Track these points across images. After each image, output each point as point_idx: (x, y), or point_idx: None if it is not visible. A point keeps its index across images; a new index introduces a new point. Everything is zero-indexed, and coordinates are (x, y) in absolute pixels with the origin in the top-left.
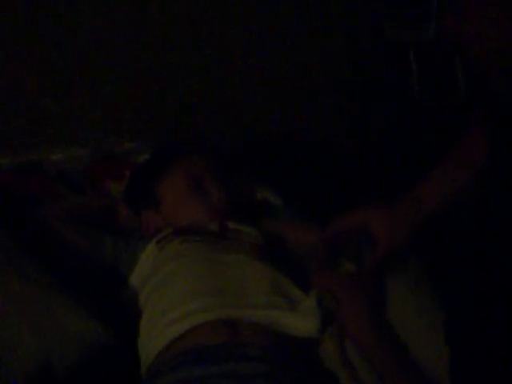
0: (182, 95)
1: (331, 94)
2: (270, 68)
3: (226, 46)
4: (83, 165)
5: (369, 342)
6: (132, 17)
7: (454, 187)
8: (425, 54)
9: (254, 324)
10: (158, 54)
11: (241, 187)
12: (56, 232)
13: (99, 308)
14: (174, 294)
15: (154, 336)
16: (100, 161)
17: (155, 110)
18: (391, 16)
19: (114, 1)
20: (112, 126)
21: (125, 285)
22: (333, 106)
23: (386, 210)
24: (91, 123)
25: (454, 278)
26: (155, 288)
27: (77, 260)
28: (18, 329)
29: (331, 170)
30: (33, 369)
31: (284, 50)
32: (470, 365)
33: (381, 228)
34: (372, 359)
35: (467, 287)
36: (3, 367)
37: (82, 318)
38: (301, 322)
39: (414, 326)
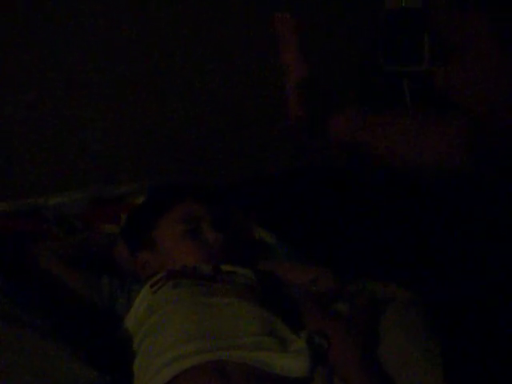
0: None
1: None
2: None
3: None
4: (80, 209)
5: (359, 381)
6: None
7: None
8: (419, 82)
9: (243, 366)
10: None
11: (238, 228)
12: (52, 273)
13: (94, 352)
14: (165, 337)
15: (149, 379)
16: (96, 204)
17: (152, 151)
18: (386, 53)
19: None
20: (108, 170)
21: (119, 327)
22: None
23: None
24: (88, 167)
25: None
26: (148, 332)
27: (73, 302)
28: (19, 373)
29: (328, 206)
30: None
31: None
32: None
33: None
34: None
35: (462, 313)
36: None
37: (77, 363)
38: (291, 362)
39: (409, 356)
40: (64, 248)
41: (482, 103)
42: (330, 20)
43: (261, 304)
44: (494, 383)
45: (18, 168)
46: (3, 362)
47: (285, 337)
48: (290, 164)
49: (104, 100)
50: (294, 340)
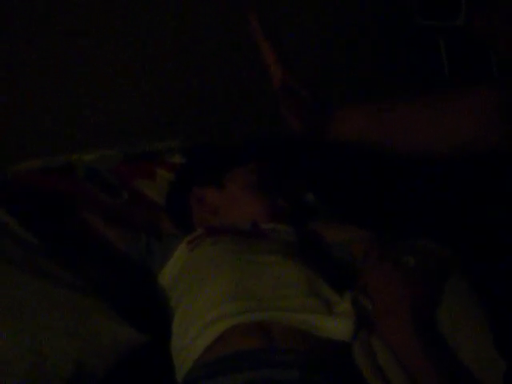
0: (208, 96)
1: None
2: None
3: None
4: (114, 165)
5: (412, 346)
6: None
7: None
8: (455, 41)
9: (288, 327)
10: (188, 61)
11: (290, 192)
12: (92, 229)
13: (131, 310)
14: (207, 296)
15: (190, 340)
16: (130, 160)
17: (183, 110)
18: (422, 8)
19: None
20: (142, 127)
21: (155, 284)
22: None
23: None
24: (121, 125)
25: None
26: (187, 289)
27: (110, 257)
28: (54, 333)
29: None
30: (69, 374)
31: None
32: None
33: None
34: (412, 366)
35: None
36: (40, 372)
37: (116, 321)
38: (337, 325)
39: (460, 321)
40: (104, 210)
41: None
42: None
43: (304, 263)
44: None
45: (51, 124)
46: (39, 323)
47: (329, 298)
48: None
49: (135, 60)
50: (339, 302)
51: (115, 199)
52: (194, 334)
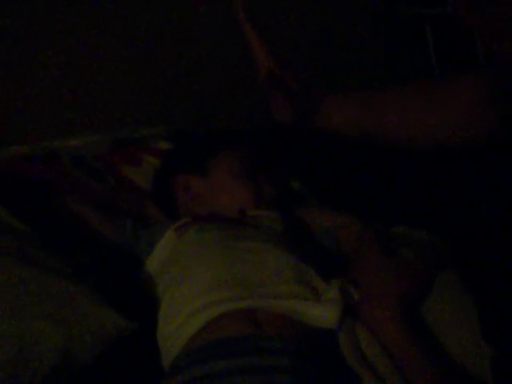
0: (198, 81)
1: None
2: None
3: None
4: (100, 150)
5: (399, 337)
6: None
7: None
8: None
9: (275, 314)
10: (178, 43)
11: (277, 179)
12: (79, 215)
13: (118, 298)
14: (195, 284)
15: (177, 326)
16: (116, 146)
17: (172, 95)
18: None
19: None
20: (128, 112)
21: (141, 272)
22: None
23: None
24: (107, 110)
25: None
26: (173, 278)
27: (97, 243)
28: (39, 320)
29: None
30: (55, 361)
31: None
32: None
33: None
34: (398, 355)
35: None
36: (24, 359)
37: (104, 309)
38: (323, 312)
39: (450, 319)
40: (91, 196)
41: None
42: None
43: (291, 251)
44: None
45: (35, 110)
46: (23, 309)
47: (316, 285)
48: None
49: (126, 44)
50: (326, 289)
51: (101, 185)
52: (181, 321)
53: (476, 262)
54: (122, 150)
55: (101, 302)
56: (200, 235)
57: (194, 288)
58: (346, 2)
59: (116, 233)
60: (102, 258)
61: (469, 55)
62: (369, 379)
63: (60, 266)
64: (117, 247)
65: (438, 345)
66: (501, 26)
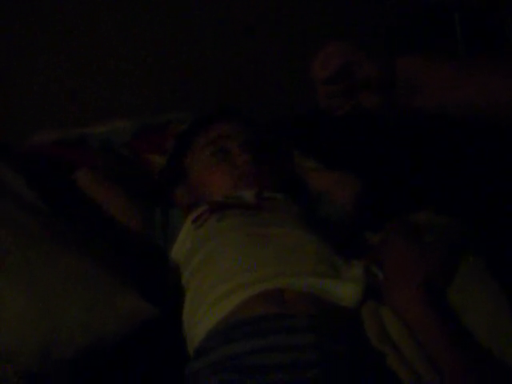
0: (222, 67)
1: None
2: None
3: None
4: (126, 138)
5: (426, 321)
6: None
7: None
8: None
9: (300, 293)
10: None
11: (280, 157)
12: (109, 201)
13: (145, 285)
14: (219, 270)
15: (203, 314)
16: (143, 133)
17: (197, 80)
18: None
19: None
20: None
21: (165, 260)
22: None
23: None
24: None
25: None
26: (198, 267)
27: (126, 230)
28: (69, 302)
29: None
30: (84, 343)
31: None
32: None
33: None
34: (424, 336)
35: None
36: (55, 340)
37: (132, 295)
38: (346, 290)
39: (478, 304)
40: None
41: None
42: None
43: (310, 230)
44: None
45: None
46: (54, 292)
47: (338, 264)
48: None
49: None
50: (349, 268)
51: (129, 171)
52: (206, 308)
53: (501, 250)
54: (147, 138)
55: (130, 288)
56: (221, 225)
57: (218, 276)
58: None
59: (144, 221)
60: (131, 244)
61: (497, 43)
62: (393, 359)
63: (88, 251)
64: (145, 235)
65: (465, 328)
66: None
